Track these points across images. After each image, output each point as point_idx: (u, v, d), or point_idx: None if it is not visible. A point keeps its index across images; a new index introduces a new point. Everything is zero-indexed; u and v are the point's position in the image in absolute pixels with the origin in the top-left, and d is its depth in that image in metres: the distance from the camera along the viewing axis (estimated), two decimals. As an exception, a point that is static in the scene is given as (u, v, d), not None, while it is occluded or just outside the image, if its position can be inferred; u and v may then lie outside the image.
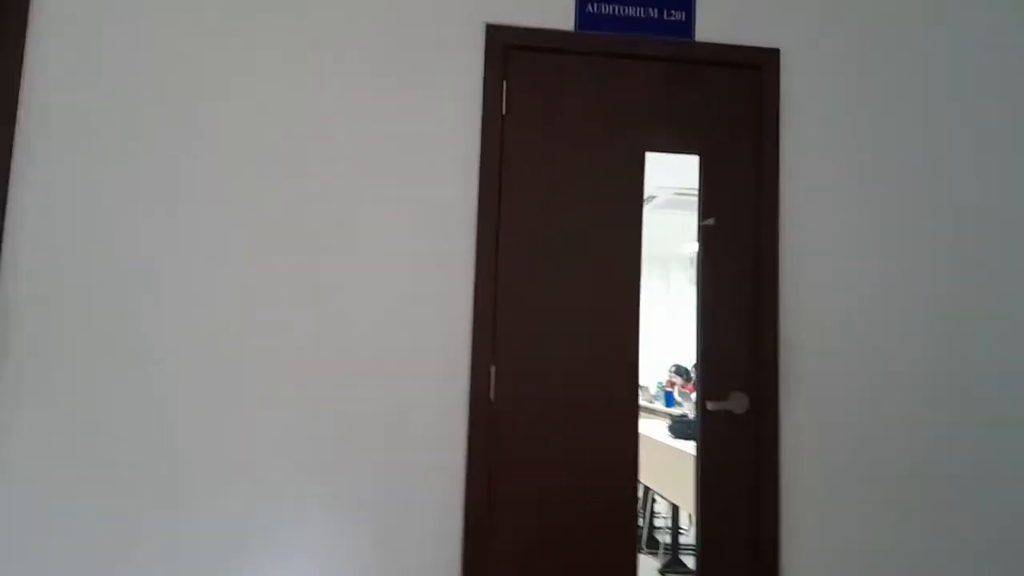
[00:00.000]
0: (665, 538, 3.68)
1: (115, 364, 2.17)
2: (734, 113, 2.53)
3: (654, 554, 3.95)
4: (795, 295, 2.45)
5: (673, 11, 2.51)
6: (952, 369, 2.48)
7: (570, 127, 2.46)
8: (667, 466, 3.22)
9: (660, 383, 5.18)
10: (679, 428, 3.77)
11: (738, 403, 2.41)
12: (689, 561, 3.27)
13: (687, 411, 4.82)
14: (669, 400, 4.99)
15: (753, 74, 2.54)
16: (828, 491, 2.40)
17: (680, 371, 4.83)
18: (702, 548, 2.37)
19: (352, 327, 2.28)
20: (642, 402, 5.15)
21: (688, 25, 2.52)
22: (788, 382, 2.41)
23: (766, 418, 2.39)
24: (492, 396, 2.32)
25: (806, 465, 2.40)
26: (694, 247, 2.49)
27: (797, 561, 2.35)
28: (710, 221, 2.32)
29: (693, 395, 4.93)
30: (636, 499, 2.39)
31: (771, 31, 2.54)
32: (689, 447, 3.30)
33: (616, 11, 2.50)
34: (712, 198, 2.50)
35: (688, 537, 3.36)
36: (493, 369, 2.33)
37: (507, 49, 2.44)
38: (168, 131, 2.26)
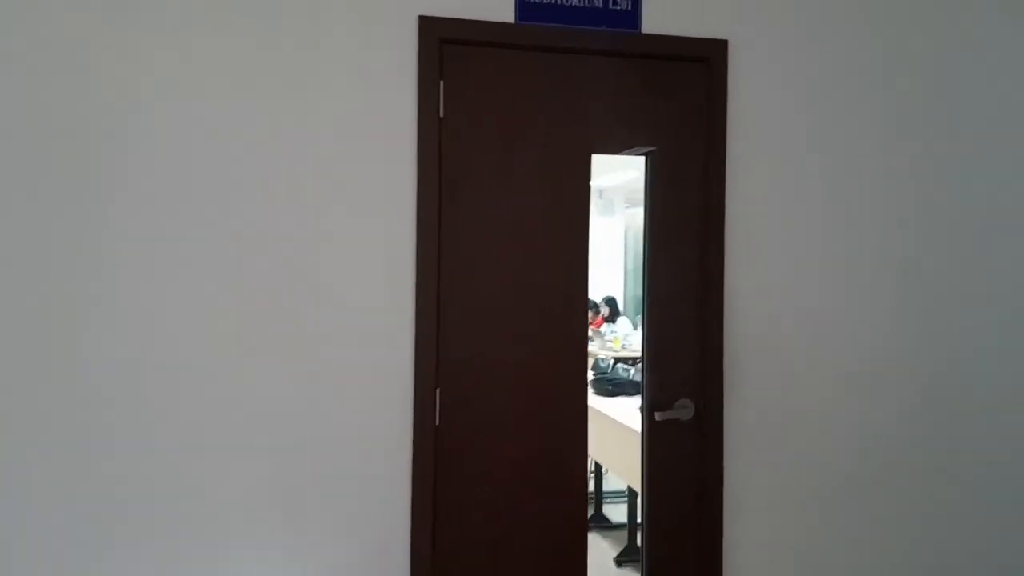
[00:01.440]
0: (619, 517, 3.75)
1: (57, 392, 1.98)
2: (682, 108, 2.42)
3: (607, 527, 3.95)
4: (741, 296, 2.43)
5: (618, 0, 2.35)
6: (899, 367, 2.53)
7: (512, 128, 2.31)
8: (616, 442, 3.23)
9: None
10: (600, 384, 3.79)
11: (684, 411, 2.40)
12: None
13: (599, 351, 4.92)
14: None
15: (701, 67, 2.42)
16: (773, 492, 2.45)
17: (590, 306, 4.91)
18: (648, 557, 2.41)
19: (283, 354, 2.14)
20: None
21: (634, 15, 2.36)
22: (733, 386, 2.42)
23: (711, 423, 2.40)
24: (437, 420, 2.24)
25: (751, 467, 2.43)
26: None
27: (742, 562, 2.42)
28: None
29: (602, 328, 5.05)
30: (586, 508, 2.39)
31: (719, 22, 2.42)
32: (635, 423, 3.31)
33: (558, 0, 2.32)
34: (659, 197, 2.42)
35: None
36: (438, 392, 2.24)
37: (443, 43, 2.24)
38: (107, 142, 2.00)
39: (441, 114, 2.24)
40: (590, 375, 3.46)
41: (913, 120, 2.55)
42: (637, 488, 3.51)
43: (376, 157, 2.19)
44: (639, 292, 2.43)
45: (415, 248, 2.21)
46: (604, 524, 3.72)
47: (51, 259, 2.00)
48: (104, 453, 2.03)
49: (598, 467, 3.83)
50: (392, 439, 2.19)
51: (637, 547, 2.93)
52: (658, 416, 2.38)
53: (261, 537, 2.12)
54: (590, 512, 4.00)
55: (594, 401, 3.36)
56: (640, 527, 2.46)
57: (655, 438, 2.41)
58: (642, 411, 2.42)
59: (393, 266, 2.20)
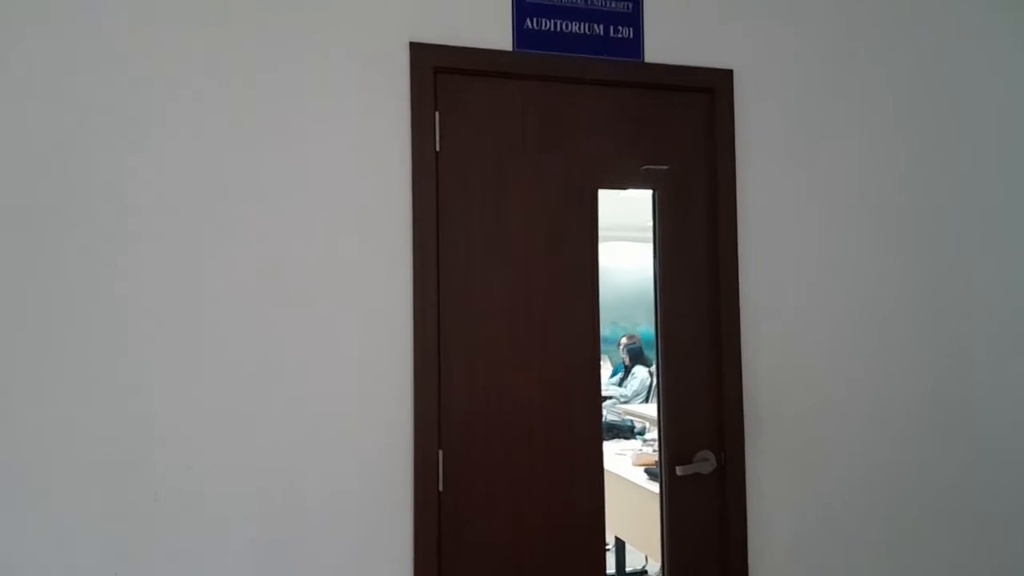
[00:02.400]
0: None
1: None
2: (688, 141, 2.29)
3: None
4: (759, 336, 2.27)
5: (620, 27, 2.23)
6: (925, 404, 2.40)
7: (513, 162, 2.14)
8: (638, 510, 3.01)
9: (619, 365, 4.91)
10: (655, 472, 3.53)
11: (705, 464, 2.22)
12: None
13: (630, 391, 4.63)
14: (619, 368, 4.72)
15: (706, 98, 2.30)
16: (798, 542, 2.26)
17: (632, 350, 4.61)
18: (673, 623, 2.19)
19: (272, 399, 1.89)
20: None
21: (636, 44, 2.24)
22: (753, 433, 2.24)
23: (734, 474, 2.22)
24: (440, 485, 2.00)
25: (775, 518, 2.25)
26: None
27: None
28: None
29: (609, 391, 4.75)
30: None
31: (724, 51, 2.31)
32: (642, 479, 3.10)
33: (557, 27, 2.18)
34: (668, 234, 2.27)
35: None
36: (440, 453, 2.01)
37: (437, 72, 2.07)
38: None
39: (438, 148, 2.06)
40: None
41: (922, 143, 2.47)
42: (651, 553, 3.29)
43: (369, 196, 1.99)
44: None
45: (411, 295, 2.00)
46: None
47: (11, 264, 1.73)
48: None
49: (617, 542, 3.55)
50: (392, 507, 1.95)
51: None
52: (679, 471, 2.18)
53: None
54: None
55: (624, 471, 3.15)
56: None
57: (674, 495, 2.21)
58: (659, 466, 2.23)
59: (390, 321, 1.99)
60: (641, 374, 4.71)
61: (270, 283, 1.91)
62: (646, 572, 3.67)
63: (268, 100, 1.94)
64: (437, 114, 2.06)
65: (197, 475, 1.83)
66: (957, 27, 2.52)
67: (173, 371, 1.83)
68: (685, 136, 2.28)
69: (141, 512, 1.79)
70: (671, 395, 2.24)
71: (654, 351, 2.14)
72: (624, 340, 4.62)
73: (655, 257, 2.27)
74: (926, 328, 2.43)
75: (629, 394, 4.69)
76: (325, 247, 1.95)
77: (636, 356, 4.73)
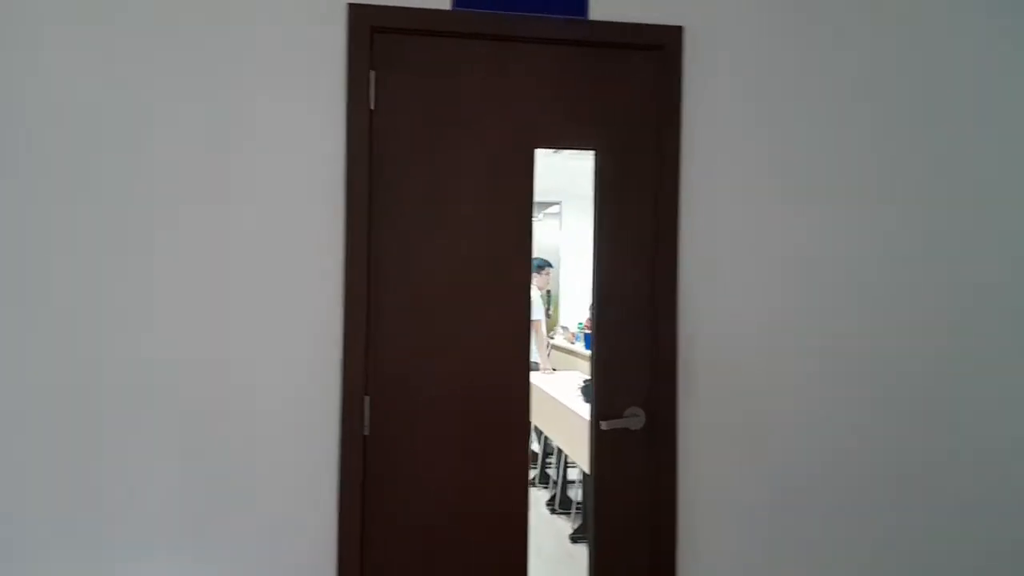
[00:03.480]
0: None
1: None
2: (632, 100, 2.28)
3: (566, 514, 3.94)
4: (696, 296, 2.28)
5: (564, -16, 2.21)
6: (853, 368, 2.38)
7: (450, 122, 2.18)
8: (577, 430, 3.10)
9: (581, 324, 5.04)
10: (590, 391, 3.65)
11: (634, 419, 2.27)
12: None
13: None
14: (588, 342, 4.83)
15: (654, 56, 2.28)
16: (728, 499, 2.31)
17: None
18: (598, 570, 2.28)
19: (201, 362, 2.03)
20: (563, 342, 5.05)
21: (581, 1, 2.23)
22: (687, 392, 2.28)
23: (664, 431, 2.27)
24: (366, 430, 2.12)
25: (706, 475, 2.29)
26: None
27: (696, 572, 2.28)
28: None
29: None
30: (527, 521, 2.26)
31: (673, 7, 2.27)
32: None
33: (499, -16, 2.18)
34: (608, 195, 2.28)
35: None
36: (367, 399, 2.12)
37: (374, 32, 2.12)
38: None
39: (372, 106, 2.12)
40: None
41: (881, 112, 2.39)
42: (584, 466, 3.47)
43: (302, 153, 2.08)
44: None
45: (344, 248, 2.10)
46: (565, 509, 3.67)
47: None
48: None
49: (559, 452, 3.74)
50: (317, 450, 2.08)
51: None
52: (605, 425, 2.25)
53: (173, 564, 2.02)
54: (555, 493, 3.97)
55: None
56: (588, 540, 2.33)
57: (604, 448, 2.28)
58: (590, 422, 2.29)
59: (321, 265, 2.09)
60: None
61: (202, 234, 2.03)
62: (572, 481, 3.91)
63: (205, 59, 2.02)
64: (373, 73, 2.11)
65: (120, 427, 1.99)
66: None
67: (104, 317, 1.98)
68: (632, 97, 2.27)
69: (72, 463, 1.97)
70: (604, 353, 2.29)
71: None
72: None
73: (595, 218, 2.29)
74: (874, 291, 2.38)
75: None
76: (258, 202, 2.06)
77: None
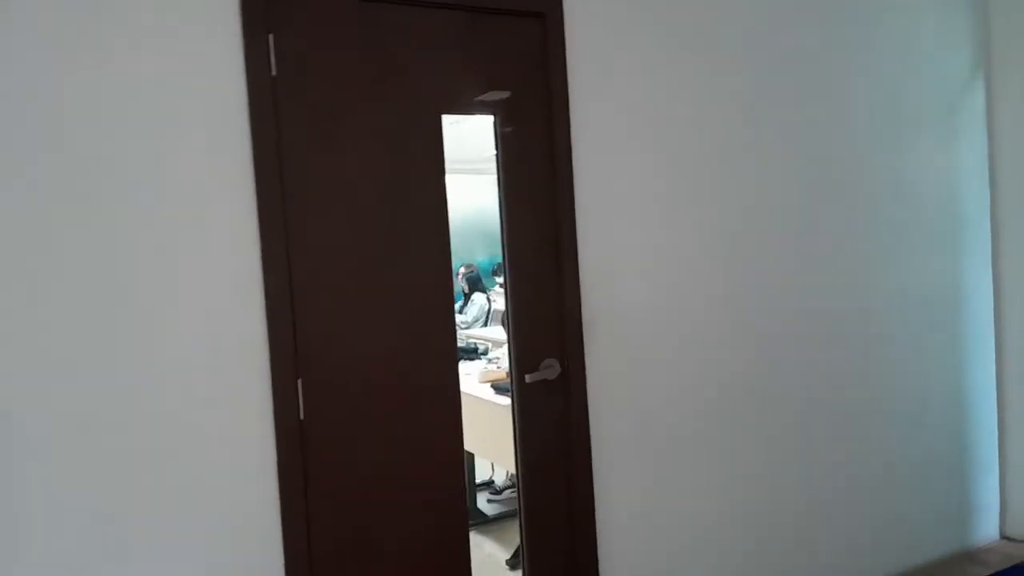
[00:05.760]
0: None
1: None
2: (524, 67, 2.36)
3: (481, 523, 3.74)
4: (592, 252, 2.45)
5: (454, -51, 2.22)
6: (745, 308, 2.71)
7: (353, 86, 2.11)
8: (487, 423, 3.18)
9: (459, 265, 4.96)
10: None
11: (550, 370, 2.40)
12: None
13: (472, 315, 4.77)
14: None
15: (538, 22, 2.38)
16: (637, 439, 2.53)
17: (470, 279, 4.74)
18: (525, 514, 2.39)
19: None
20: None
21: (471, -34, 2.25)
22: (591, 342, 2.45)
23: (575, 377, 2.42)
24: (301, 414, 2.03)
25: (615, 416, 2.49)
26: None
27: (615, 510, 2.48)
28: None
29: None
30: (465, 494, 2.31)
31: (554, -24, 2.38)
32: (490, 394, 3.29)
33: (391, -54, 2.14)
34: (510, 161, 2.36)
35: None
36: (300, 382, 2.03)
37: (267, -7, 1.98)
38: None
39: (274, 72, 1.99)
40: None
41: (765, 78, 2.70)
42: (498, 461, 3.47)
43: (206, 125, 1.90)
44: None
45: (258, 227, 1.97)
46: (479, 520, 3.59)
47: None
48: None
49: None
50: (253, 437, 1.96)
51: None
52: (528, 379, 2.35)
53: (112, 556, 1.80)
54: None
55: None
56: (517, 491, 2.43)
57: (525, 401, 2.38)
58: (511, 375, 2.38)
59: (235, 247, 1.94)
60: (480, 300, 4.90)
61: (107, 212, 1.80)
62: (492, 482, 3.93)
63: (90, 18, 1.77)
64: (271, 36, 1.99)
65: (49, 413, 1.73)
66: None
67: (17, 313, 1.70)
68: (522, 62, 2.35)
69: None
70: (519, 312, 2.38)
71: (490, 278, 2.26)
72: (462, 270, 4.76)
73: (499, 183, 2.36)
74: (753, 248, 2.72)
75: (470, 320, 4.87)
76: (164, 178, 1.86)
77: (474, 284, 4.90)
